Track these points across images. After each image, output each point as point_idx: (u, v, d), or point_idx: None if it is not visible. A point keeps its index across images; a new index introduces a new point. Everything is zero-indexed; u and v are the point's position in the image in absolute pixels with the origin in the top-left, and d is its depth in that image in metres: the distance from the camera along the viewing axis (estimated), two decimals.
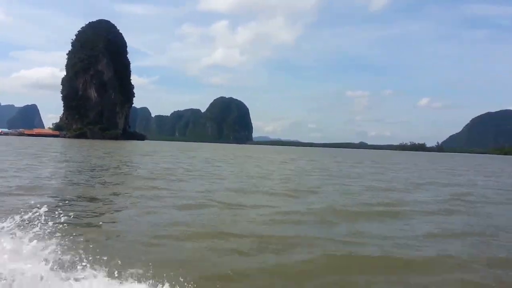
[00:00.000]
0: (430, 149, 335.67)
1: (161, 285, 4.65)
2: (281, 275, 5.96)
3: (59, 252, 5.02)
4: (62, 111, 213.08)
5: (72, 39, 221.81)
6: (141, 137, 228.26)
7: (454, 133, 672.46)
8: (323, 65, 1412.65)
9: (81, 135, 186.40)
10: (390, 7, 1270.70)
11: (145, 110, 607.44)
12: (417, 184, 21.25)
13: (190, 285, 4.90)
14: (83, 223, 8.62)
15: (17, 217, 5.04)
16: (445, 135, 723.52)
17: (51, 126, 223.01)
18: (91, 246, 5.97)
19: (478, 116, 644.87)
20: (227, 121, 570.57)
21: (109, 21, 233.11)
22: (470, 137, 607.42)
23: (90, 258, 4.99)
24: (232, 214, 10.38)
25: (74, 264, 4.90)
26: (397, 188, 18.69)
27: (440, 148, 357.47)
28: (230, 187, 16.56)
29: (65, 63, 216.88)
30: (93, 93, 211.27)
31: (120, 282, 4.67)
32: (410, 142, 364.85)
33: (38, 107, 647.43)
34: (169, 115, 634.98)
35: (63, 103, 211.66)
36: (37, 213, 5.14)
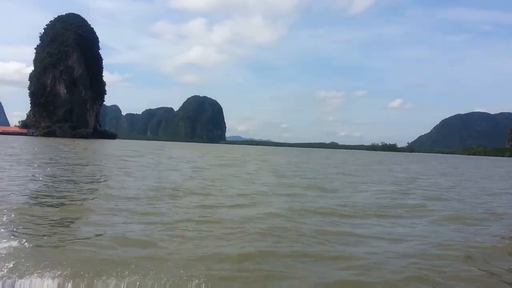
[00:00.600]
0: (401, 150, 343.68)
1: None
2: None
3: None
4: (30, 108, 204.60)
5: (40, 33, 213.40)
6: (112, 136, 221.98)
7: (423, 134, 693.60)
8: (299, 66, 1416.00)
9: (50, 133, 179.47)
10: (372, 10, 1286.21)
11: (115, 108, 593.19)
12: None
13: None
14: None
15: None
16: (414, 136, 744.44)
17: (17, 124, 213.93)
18: None
19: (447, 118, 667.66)
20: (200, 120, 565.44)
21: (79, 15, 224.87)
22: (437, 138, 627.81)
23: None
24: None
25: None
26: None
27: (410, 148, 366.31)
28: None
29: (33, 57, 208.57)
30: (62, 90, 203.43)
31: None
32: (381, 143, 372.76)
33: (3, 104, 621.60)
34: (140, 113, 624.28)
35: (31, 100, 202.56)
36: None
